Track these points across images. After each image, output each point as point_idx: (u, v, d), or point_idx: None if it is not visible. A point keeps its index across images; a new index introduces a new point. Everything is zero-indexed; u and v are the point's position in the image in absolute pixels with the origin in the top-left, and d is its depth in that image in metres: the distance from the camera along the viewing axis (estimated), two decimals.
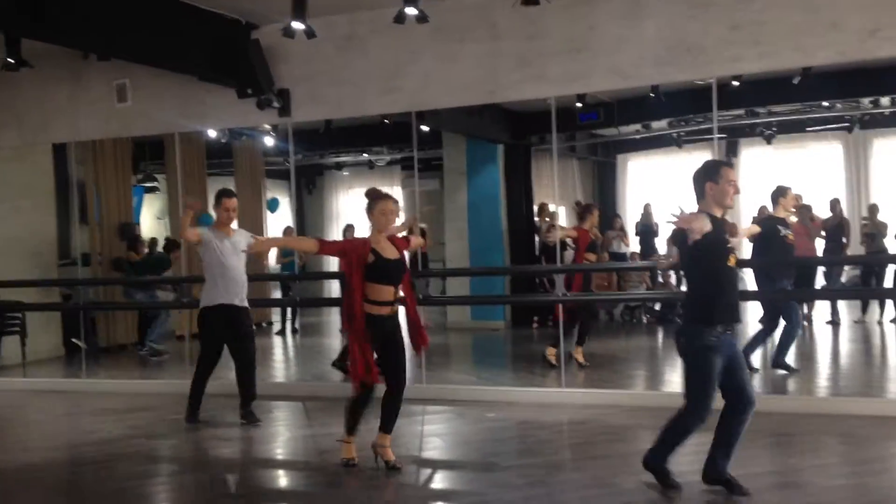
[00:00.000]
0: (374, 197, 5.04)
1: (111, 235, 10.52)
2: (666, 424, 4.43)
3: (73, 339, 9.88)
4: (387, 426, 5.01)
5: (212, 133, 9.84)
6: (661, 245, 11.92)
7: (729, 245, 4.24)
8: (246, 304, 6.44)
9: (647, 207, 12.07)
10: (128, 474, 5.39)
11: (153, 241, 11.67)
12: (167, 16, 7.08)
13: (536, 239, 11.94)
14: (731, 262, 4.25)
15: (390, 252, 4.98)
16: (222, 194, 6.43)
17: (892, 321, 9.97)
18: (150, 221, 13.05)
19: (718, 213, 4.26)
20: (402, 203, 11.76)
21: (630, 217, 12.52)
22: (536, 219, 12.08)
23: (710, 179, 4.26)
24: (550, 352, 8.13)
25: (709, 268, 4.22)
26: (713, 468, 4.35)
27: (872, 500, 4.34)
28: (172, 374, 9.01)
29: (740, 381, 4.31)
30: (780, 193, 7.50)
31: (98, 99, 8.55)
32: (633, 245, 11.85)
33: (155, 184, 12.72)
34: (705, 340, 4.17)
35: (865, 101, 10.35)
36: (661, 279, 11.74)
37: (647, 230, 11.84)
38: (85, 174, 10.36)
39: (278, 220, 11.76)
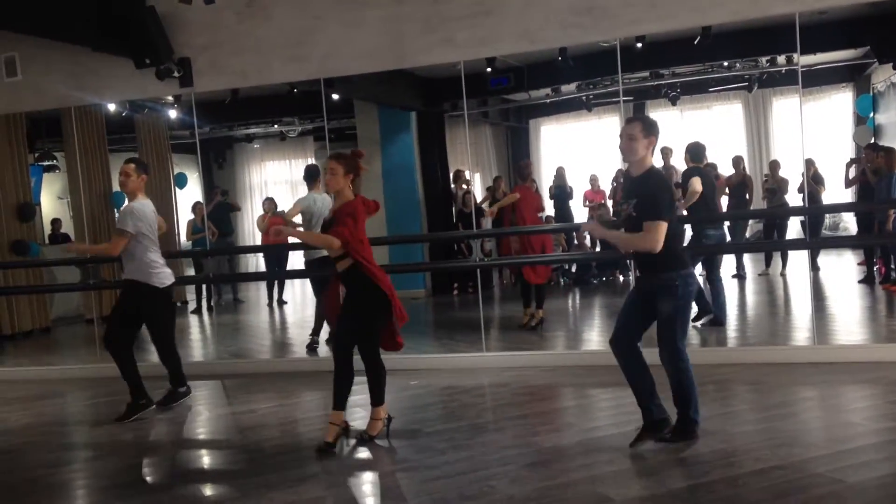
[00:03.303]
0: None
1: (9, 217, 9.98)
2: (674, 387, 4.54)
3: None
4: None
5: (111, 106, 9.40)
6: (576, 208, 12.12)
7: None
8: None
9: (560, 171, 12.18)
10: (39, 463, 5.19)
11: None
12: None
13: (453, 205, 11.97)
14: None
15: None
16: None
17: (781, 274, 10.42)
18: (51, 202, 12.46)
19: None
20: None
21: (544, 181, 12.66)
22: (452, 185, 12.09)
23: None
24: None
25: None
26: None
27: (780, 442, 4.52)
28: (80, 360, 8.71)
29: None
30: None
31: None
32: (548, 208, 11.98)
33: (54, 162, 12.12)
34: (694, 282, 4.60)
35: (763, 60, 10.66)
36: (576, 242, 11.96)
37: (561, 193, 11.98)
38: None
39: (187, 196, 11.39)
